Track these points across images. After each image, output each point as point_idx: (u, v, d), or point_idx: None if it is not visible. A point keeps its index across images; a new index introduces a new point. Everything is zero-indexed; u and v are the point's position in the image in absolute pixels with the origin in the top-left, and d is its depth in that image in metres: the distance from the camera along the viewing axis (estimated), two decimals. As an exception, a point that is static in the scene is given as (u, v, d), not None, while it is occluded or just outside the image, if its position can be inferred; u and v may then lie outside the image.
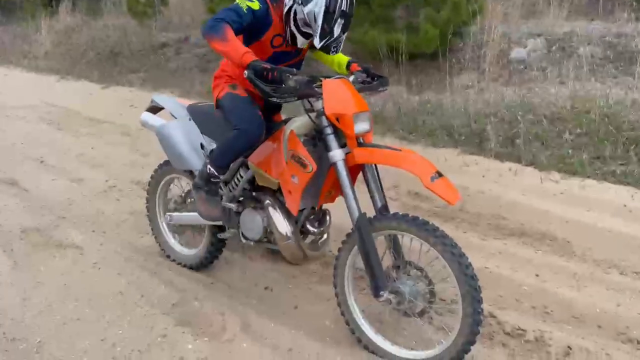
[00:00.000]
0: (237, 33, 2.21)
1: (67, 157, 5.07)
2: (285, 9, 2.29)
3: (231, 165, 2.56)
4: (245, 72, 2.07)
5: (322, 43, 2.26)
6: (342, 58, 2.64)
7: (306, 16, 2.23)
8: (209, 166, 2.51)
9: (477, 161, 4.22)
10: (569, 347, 2.32)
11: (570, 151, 4.02)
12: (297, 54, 2.53)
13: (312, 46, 2.39)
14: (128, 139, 5.59)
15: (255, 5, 2.26)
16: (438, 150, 4.46)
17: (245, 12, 2.23)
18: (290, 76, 2.09)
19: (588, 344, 2.33)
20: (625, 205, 3.42)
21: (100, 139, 5.62)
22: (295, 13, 2.27)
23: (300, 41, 2.37)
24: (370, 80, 2.49)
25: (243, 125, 2.38)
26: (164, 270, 3.04)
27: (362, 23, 6.20)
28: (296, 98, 2.15)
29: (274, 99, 2.10)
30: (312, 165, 2.21)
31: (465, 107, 4.92)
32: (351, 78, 2.43)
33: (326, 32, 2.24)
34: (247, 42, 2.34)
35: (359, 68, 2.56)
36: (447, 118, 4.80)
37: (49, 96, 7.75)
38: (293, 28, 2.31)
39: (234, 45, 2.13)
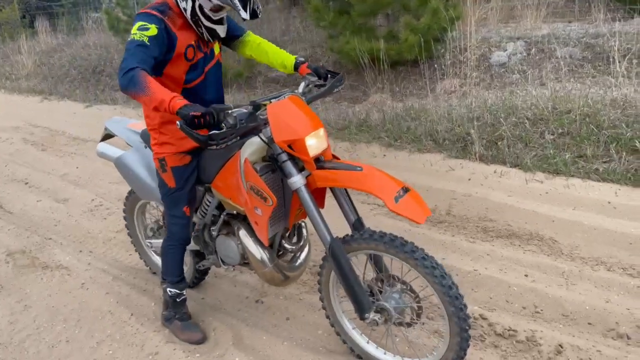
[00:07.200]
0: (153, 70, 2.01)
1: (51, 178, 5.03)
2: (189, 11, 2.10)
3: (196, 196, 2.46)
4: (177, 122, 1.79)
5: (248, 12, 2.03)
6: (287, 58, 2.41)
7: (220, 1, 2.05)
8: (168, 289, 2.53)
9: (463, 165, 4.25)
10: (560, 345, 2.33)
11: (553, 151, 4.08)
12: (212, 55, 2.32)
13: (225, 40, 2.35)
14: (113, 156, 5.54)
15: (154, 31, 2.02)
16: (423, 156, 4.49)
17: (148, 43, 1.99)
18: (229, 112, 1.85)
19: (579, 342, 2.35)
20: (609, 202, 3.47)
21: (85, 158, 5.58)
22: (201, 7, 2.08)
23: (221, 30, 2.21)
24: (324, 82, 2.31)
25: (167, 239, 2.48)
26: (153, 288, 3.01)
27: (343, 32, 6.26)
28: (239, 137, 1.87)
29: (214, 147, 1.80)
30: (272, 199, 2.03)
31: (449, 112, 4.96)
32: (301, 86, 2.28)
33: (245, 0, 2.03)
34: (161, 69, 2.16)
35: (309, 70, 2.34)
36: (431, 123, 4.83)
37: (32, 117, 7.70)
38: (207, 23, 2.14)
39: (159, 96, 1.85)
